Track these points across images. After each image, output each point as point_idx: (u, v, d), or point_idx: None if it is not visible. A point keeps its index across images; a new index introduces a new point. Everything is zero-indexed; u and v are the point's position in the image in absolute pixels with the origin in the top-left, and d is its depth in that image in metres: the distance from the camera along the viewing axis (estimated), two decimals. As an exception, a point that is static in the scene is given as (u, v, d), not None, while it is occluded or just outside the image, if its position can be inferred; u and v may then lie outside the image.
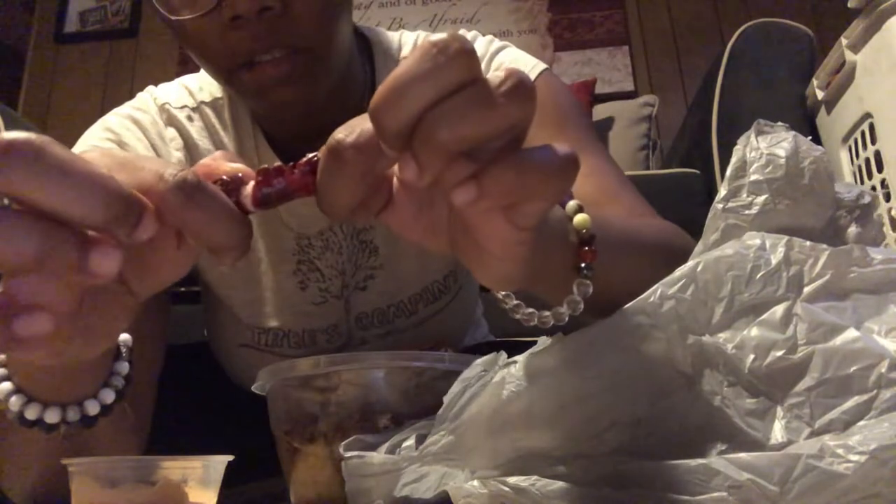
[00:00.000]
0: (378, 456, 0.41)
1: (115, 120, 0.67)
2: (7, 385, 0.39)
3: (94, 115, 0.70)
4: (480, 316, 0.97)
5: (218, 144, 0.67)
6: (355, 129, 0.29)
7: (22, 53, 3.05)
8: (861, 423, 0.32)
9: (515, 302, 0.42)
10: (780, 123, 0.44)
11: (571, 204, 0.40)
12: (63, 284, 0.27)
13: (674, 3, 2.78)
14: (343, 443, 0.44)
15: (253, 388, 0.52)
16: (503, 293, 0.42)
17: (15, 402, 0.39)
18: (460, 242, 0.33)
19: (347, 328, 0.73)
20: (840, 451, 0.30)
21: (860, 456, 0.29)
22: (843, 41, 1.22)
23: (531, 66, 0.70)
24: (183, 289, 1.27)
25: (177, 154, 0.66)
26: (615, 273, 0.43)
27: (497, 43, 0.72)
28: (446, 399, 0.40)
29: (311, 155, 0.31)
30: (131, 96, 0.73)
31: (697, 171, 1.46)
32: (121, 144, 0.64)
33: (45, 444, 0.43)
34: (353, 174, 0.29)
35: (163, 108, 0.69)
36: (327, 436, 0.46)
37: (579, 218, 0.39)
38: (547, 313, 0.41)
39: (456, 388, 0.40)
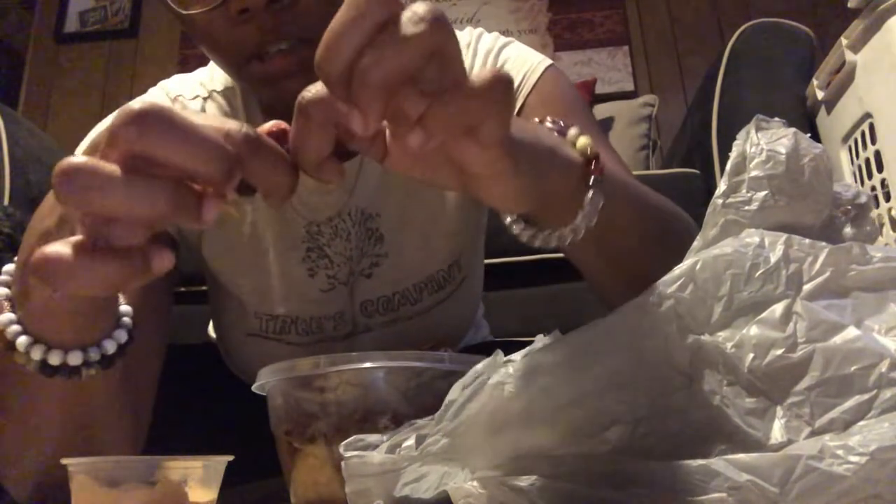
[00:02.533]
0: (378, 456, 0.41)
1: None
2: (26, 338, 0.40)
3: (94, 115, 0.70)
4: (482, 317, 0.97)
5: None
6: (315, 87, 0.32)
7: (22, 53, 3.05)
8: (861, 422, 0.32)
9: (522, 225, 0.44)
10: (777, 119, 0.43)
11: (572, 131, 0.43)
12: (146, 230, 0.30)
13: (674, 3, 2.78)
14: (343, 443, 0.44)
15: (253, 388, 0.52)
16: (510, 218, 0.45)
17: (36, 351, 0.40)
18: (463, 171, 0.35)
19: (352, 315, 0.74)
20: (840, 451, 0.30)
21: (860, 457, 0.29)
22: (843, 41, 1.22)
23: (537, 61, 0.71)
24: (183, 288, 1.27)
25: None
26: (617, 212, 0.45)
27: (503, 39, 0.73)
28: (445, 399, 0.40)
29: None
30: (131, 96, 0.73)
31: (697, 171, 1.46)
32: None
33: (64, 392, 0.45)
34: (317, 126, 0.32)
35: (176, 100, 0.70)
36: (327, 436, 0.46)
37: (582, 140, 0.43)
38: (565, 228, 0.43)
39: (455, 387, 0.40)
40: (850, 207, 0.44)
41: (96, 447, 0.51)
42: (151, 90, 0.73)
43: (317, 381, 0.48)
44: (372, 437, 0.43)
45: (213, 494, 0.44)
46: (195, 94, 0.70)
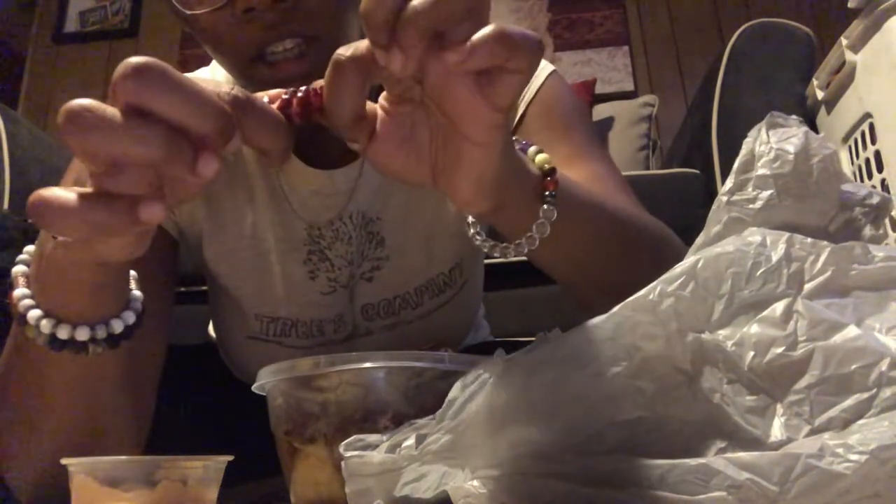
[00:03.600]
0: (378, 456, 0.41)
1: None
2: (37, 311, 0.42)
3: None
4: (482, 318, 0.97)
5: None
6: (352, 46, 0.35)
7: (22, 53, 3.06)
8: (861, 421, 0.32)
9: (483, 237, 0.49)
10: (793, 117, 0.43)
11: (532, 149, 0.48)
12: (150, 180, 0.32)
13: (674, 3, 2.78)
14: (343, 443, 0.44)
15: (253, 388, 0.52)
16: (472, 221, 0.50)
17: (46, 324, 0.42)
18: (440, 162, 0.39)
19: (353, 319, 0.74)
20: (840, 450, 0.30)
21: (860, 455, 0.29)
22: (843, 41, 1.22)
23: (540, 66, 0.71)
24: (183, 288, 1.27)
25: None
26: (575, 224, 0.49)
27: None
28: (447, 398, 0.40)
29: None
30: None
31: (697, 171, 1.46)
32: None
33: (71, 374, 0.46)
34: (352, 83, 0.35)
35: None
36: (327, 436, 0.46)
37: (540, 157, 0.47)
38: (519, 241, 0.47)
39: (455, 386, 0.40)
40: (867, 209, 0.43)
41: (99, 445, 0.51)
42: None
43: (317, 381, 0.48)
44: (372, 437, 0.43)
45: (213, 494, 0.44)
46: None
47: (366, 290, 0.73)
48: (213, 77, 0.72)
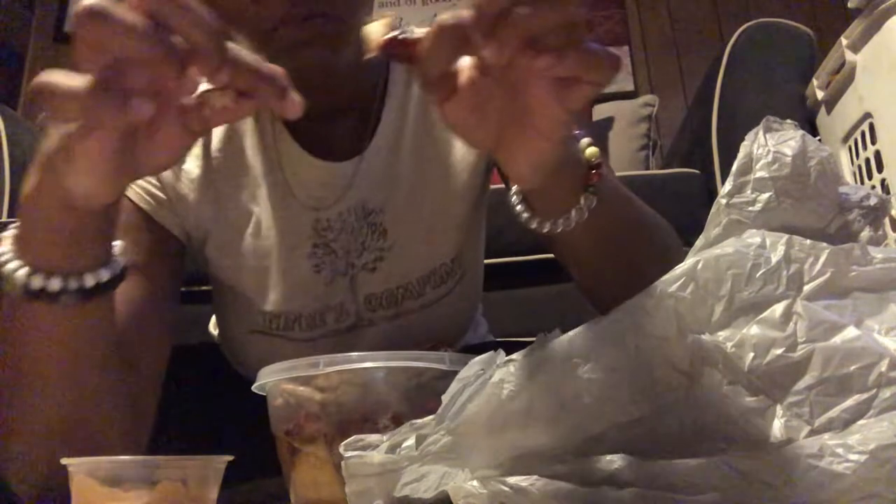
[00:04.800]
0: (378, 456, 0.41)
1: None
2: (15, 263, 0.45)
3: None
4: (480, 315, 0.98)
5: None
6: (455, 14, 0.37)
7: (22, 53, 3.05)
8: (861, 421, 0.32)
9: (524, 206, 0.53)
10: (789, 121, 0.44)
11: (584, 140, 0.52)
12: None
13: (674, 3, 2.78)
14: (343, 443, 0.44)
15: (253, 388, 0.53)
16: (516, 190, 0.53)
17: (21, 274, 0.44)
18: (507, 133, 0.42)
19: (356, 309, 0.75)
20: (839, 450, 0.30)
21: (859, 455, 0.29)
22: (843, 41, 1.22)
23: None
24: (184, 288, 1.27)
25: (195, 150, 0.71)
26: (608, 214, 0.53)
27: None
28: (445, 398, 0.40)
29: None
30: None
31: (697, 171, 1.46)
32: None
33: (49, 332, 0.48)
34: (447, 45, 0.38)
35: None
36: (327, 436, 0.47)
37: (590, 150, 0.51)
38: (558, 219, 0.51)
39: (455, 386, 0.40)
40: (865, 210, 0.44)
41: (98, 444, 0.51)
42: None
43: (317, 381, 0.48)
44: (372, 437, 0.43)
45: (213, 494, 0.44)
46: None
47: (368, 281, 0.74)
48: None
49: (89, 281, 0.46)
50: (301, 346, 0.74)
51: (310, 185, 0.72)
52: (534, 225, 0.53)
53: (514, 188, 0.54)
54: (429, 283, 0.76)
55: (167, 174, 0.69)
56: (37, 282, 0.44)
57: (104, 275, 0.47)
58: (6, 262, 0.45)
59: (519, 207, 0.53)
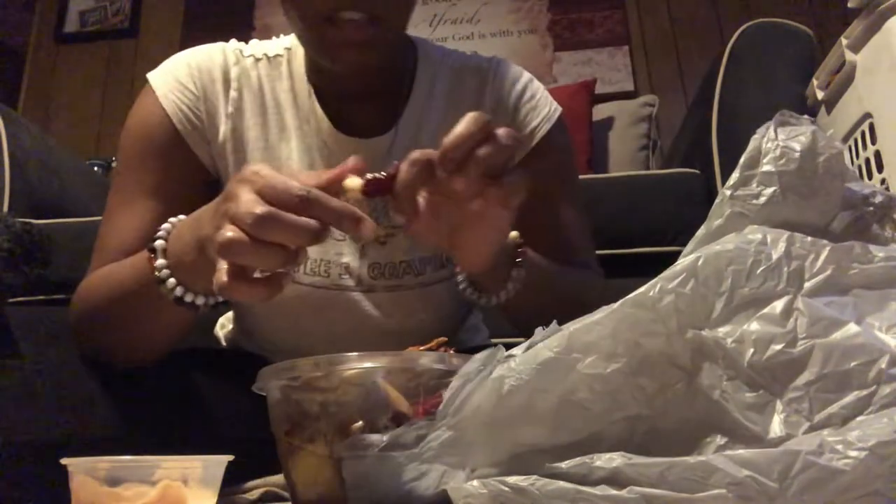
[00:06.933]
0: (378, 455, 0.41)
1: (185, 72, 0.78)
2: (173, 280, 0.59)
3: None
4: (481, 322, 0.99)
5: (274, 90, 0.79)
6: (425, 152, 0.51)
7: (22, 53, 3.05)
8: (860, 418, 0.32)
9: (471, 290, 0.70)
10: (805, 117, 0.44)
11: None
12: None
13: (674, 3, 2.78)
14: (343, 443, 0.44)
15: (253, 388, 0.53)
16: (462, 277, 0.70)
17: (179, 291, 0.59)
18: (459, 235, 0.57)
19: (359, 273, 0.78)
20: (839, 446, 0.30)
21: (859, 452, 0.29)
22: (843, 41, 1.22)
23: (553, 107, 0.84)
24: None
25: (233, 94, 0.78)
26: (536, 286, 0.69)
27: (526, 74, 0.86)
28: (447, 395, 0.40)
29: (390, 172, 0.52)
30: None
31: (697, 171, 1.45)
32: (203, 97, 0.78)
33: (182, 318, 0.64)
34: (418, 177, 0.51)
35: (234, 53, 0.80)
36: (327, 436, 0.47)
37: (513, 234, 0.66)
38: (500, 292, 0.68)
39: (456, 382, 0.40)
40: (873, 208, 0.43)
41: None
42: (221, 44, 0.81)
43: (317, 381, 0.48)
44: (372, 437, 0.43)
45: (213, 494, 0.44)
46: (250, 52, 0.81)
47: (377, 251, 0.79)
48: (274, 45, 0.82)
49: (219, 298, 0.61)
50: (302, 289, 0.77)
51: (341, 157, 0.73)
52: (483, 302, 0.69)
53: (461, 276, 0.70)
54: (430, 265, 0.80)
55: (204, 112, 0.77)
56: (189, 298, 0.59)
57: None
58: (167, 277, 0.59)
59: (468, 291, 0.69)
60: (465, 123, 0.50)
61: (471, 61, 0.85)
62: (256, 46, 0.82)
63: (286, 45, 0.82)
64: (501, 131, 0.51)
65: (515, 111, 0.81)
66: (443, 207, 0.55)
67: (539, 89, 0.85)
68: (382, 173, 0.52)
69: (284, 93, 0.79)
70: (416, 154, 0.51)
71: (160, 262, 0.59)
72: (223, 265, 0.49)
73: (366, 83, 0.77)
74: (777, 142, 0.42)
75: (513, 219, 0.56)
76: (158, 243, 0.60)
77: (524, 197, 0.54)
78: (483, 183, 0.51)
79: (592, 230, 0.87)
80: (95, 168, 2.26)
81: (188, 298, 0.60)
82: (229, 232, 0.47)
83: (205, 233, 0.53)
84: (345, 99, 0.78)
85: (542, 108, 0.83)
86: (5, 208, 1.49)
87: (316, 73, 0.79)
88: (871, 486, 0.30)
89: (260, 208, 0.46)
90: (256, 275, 0.50)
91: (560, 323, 0.41)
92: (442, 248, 0.59)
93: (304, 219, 0.47)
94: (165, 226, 0.61)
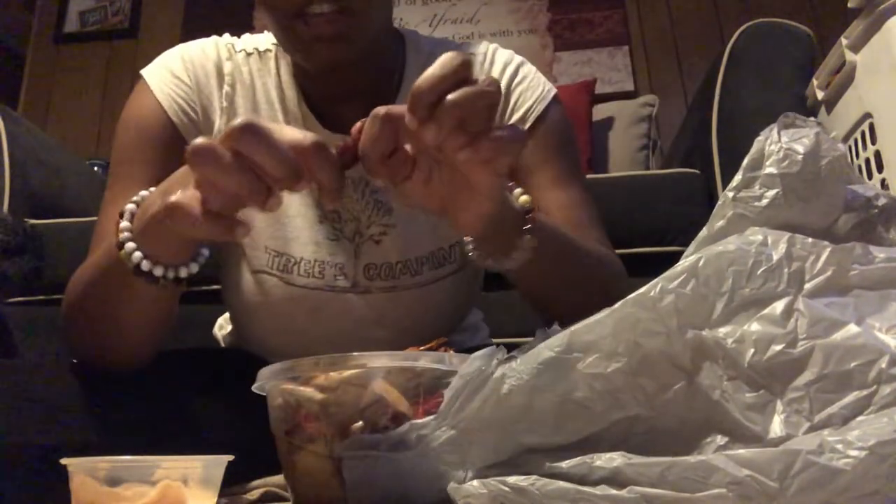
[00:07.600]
0: (378, 456, 0.41)
1: (179, 65, 0.78)
2: (132, 244, 0.57)
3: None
4: (481, 321, 0.99)
5: (265, 85, 0.80)
6: (389, 107, 0.47)
7: (22, 53, 3.05)
8: (860, 417, 0.32)
9: (478, 252, 0.63)
10: (811, 119, 0.44)
11: (517, 191, 0.62)
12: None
13: (674, 3, 2.78)
14: (343, 443, 0.44)
15: (253, 388, 0.53)
16: (468, 238, 0.63)
17: (136, 256, 0.57)
18: (453, 199, 0.53)
19: (354, 274, 0.78)
20: (839, 446, 0.30)
21: (859, 451, 0.29)
22: (843, 41, 1.22)
23: (547, 88, 0.82)
24: (185, 288, 1.27)
25: (226, 89, 0.78)
26: (552, 247, 0.63)
27: (517, 56, 0.85)
28: (447, 394, 0.40)
29: (354, 134, 0.49)
30: None
31: (697, 171, 1.45)
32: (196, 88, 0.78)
33: (151, 300, 0.62)
34: (385, 134, 0.47)
35: (226, 48, 0.80)
36: (327, 436, 0.46)
37: (524, 198, 0.61)
38: (507, 258, 0.61)
39: (457, 382, 0.40)
40: (877, 210, 0.43)
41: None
42: (214, 38, 0.82)
43: (317, 381, 0.48)
44: (372, 437, 0.43)
45: (213, 494, 0.44)
46: (241, 47, 0.81)
47: (371, 251, 0.78)
48: (265, 40, 0.82)
49: (182, 273, 0.59)
50: (296, 291, 0.77)
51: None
52: (488, 263, 0.63)
53: (469, 239, 0.64)
54: (427, 264, 0.79)
55: (199, 103, 0.77)
56: (146, 266, 0.57)
57: (194, 267, 0.60)
58: (126, 241, 0.57)
59: (473, 252, 0.63)
60: (438, 64, 0.45)
61: (461, 49, 0.85)
62: (248, 41, 0.82)
63: (274, 41, 0.81)
64: (481, 78, 0.46)
65: (508, 93, 0.81)
66: (432, 170, 0.51)
67: (531, 71, 0.83)
68: (347, 138, 0.49)
69: (273, 90, 0.79)
70: (379, 109, 0.47)
71: (124, 223, 0.58)
72: (190, 191, 0.48)
73: (347, 80, 0.75)
74: (780, 144, 0.42)
75: (507, 181, 0.53)
76: (129, 206, 0.58)
77: (516, 158, 0.49)
78: (464, 139, 0.46)
79: (602, 219, 0.83)
80: (95, 168, 2.26)
81: (145, 266, 0.57)
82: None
83: (175, 186, 0.51)
84: (328, 98, 0.78)
85: (536, 88, 0.81)
86: (5, 208, 1.49)
87: (301, 73, 0.79)
88: (871, 486, 0.30)
89: (249, 124, 0.45)
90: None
91: (584, 311, 0.40)
92: (434, 212, 0.53)
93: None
94: (143, 192, 0.59)
